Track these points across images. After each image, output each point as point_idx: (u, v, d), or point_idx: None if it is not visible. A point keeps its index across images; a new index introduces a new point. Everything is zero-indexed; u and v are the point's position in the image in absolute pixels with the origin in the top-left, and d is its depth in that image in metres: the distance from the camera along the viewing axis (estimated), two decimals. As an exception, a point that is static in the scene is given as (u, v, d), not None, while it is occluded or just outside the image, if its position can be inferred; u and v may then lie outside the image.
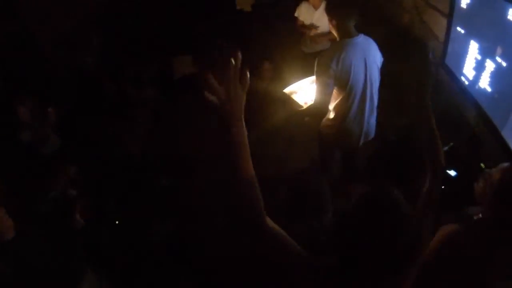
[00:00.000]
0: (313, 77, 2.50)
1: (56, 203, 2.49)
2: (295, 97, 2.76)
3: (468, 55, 2.56)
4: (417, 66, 3.78)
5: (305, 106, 2.61)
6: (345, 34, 2.33)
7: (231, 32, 5.63)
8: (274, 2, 6.10)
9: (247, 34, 5.65)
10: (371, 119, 2.63)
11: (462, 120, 2.77)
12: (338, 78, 2.32)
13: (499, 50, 2.22)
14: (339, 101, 2.47)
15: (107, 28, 4.79)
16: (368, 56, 2.38)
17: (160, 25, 5.44)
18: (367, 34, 2.42)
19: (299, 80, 2.86)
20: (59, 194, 2.56)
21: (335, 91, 2.40)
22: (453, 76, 2.80)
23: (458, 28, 2.66)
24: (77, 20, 4.33)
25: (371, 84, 2.45)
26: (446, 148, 2.73)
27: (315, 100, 2.42)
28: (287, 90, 2.84)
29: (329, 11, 2.39)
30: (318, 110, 2.47)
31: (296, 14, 4.02)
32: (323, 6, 3.59)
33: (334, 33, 2.40)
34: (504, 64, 2.17)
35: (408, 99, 3.54)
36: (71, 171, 2.86)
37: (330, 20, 2.36)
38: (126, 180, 3.36)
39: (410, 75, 3.75)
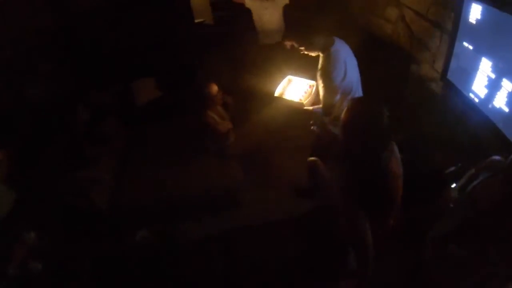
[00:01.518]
0: (290, 76, 3.08)
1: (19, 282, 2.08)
2: (287, 97, 2.97)
3: (478, 72, 2.56)
4: (396, 77, 3.88)
5: (303, 101, 2.84)
6: (325, 48, 2.47)
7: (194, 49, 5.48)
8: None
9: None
10: None
11: (473, 139, 2.78)
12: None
13: (518, 71, 2.23)
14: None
15: (56, 53, 4.37)
16: (350, 56, 2.58)
17: (114, 46, 5.05)
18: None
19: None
20: (19, 270, 2.14)
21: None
22: (458, 92, 2.81)
23: (465, 44, 2.66)
24: (20, 45, 3.80)
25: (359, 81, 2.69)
26: (453, 168, 2.75)
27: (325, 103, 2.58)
28: (277, 94, 3.02)
29: (297, 42, 2.53)
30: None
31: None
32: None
33: (316, 53, 2.55)
34: (525, 85, 2.17)
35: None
36: (30, 238, 2.48)
37: (304, 48, 2.53)
38: (96, 244, 3.08)
39: (389, 85, 3.82)
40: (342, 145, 1.88)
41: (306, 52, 2.60)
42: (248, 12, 4.79)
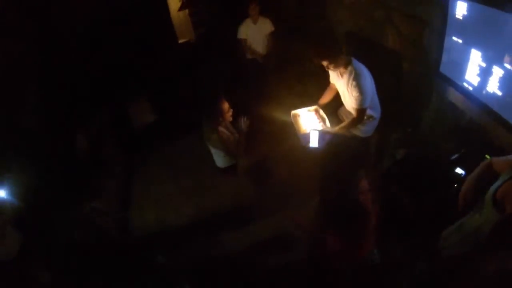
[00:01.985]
0: (293, 112, 3.47)
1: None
2: (300, 120, 3.39)
3: (469, 63, 2.81)
4: (390, 77, 4.13)
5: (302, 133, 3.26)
6: (347, 64, 2.95)
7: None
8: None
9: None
10: None
11: (471, 125, 3.01)
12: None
13: (507, 58, 2.47)
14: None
15: (45, 80, 4.35)
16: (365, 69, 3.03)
17: (105, 70, 5.09)
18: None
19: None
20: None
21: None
22: (452, 83, 3.05)
23: (454, 38, 2.91)
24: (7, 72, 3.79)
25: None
26: (457, 155, 2.97)
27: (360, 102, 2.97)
28: (294, 112, 3.45)
29: (321, 58, 2.93)
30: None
31: (238, 36, 4.96)
32: (260, 21, 4.80)
33: (340, 69, 3.01)
34: (514, 70, 2.42)
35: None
36: (44, 277, 2.61)
37: (327, 65, 2.96)
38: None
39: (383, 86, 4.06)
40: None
41: (331, 69, 3.03)
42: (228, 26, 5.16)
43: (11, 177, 3.13)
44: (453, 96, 3.11)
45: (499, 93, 2.59)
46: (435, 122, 3.53)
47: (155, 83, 5.67)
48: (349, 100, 3.09)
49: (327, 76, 3.41)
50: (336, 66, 2.99)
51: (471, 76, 2.83)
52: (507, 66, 2.46)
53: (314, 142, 3.13)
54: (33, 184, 3.37)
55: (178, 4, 6.28)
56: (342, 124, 3.19)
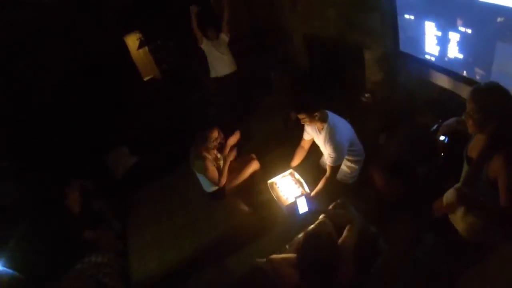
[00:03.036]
0: (269, 181, 3.41)
1: None
2: (278, 189, 3.34)
3: (426, 35, 2.94)
4: (354, 67, 4.27)
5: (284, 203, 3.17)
6: (323, 120, 3.00)
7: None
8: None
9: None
10: None
11: (442, 93, 3.12)
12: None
13: (459, 22, 2.61)
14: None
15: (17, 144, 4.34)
16: (341, 121, 3.12)
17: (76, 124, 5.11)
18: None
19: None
20: None
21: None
22: (415, 59, 3.18)
23: (406, 16, 3.06)
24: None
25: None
26: (436, 125, 3.06)
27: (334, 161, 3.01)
28: (270, 181, 3.43)
29: (299, 112, 2.98)
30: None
31: None
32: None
33: (317, 124, 3.06)
34: (469, 31, 2.55)
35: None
36: None
37: (304, 119, 3.01)
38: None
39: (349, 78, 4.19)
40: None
41: (307, 123, 3.09)
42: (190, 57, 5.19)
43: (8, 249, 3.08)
44: (419, 71, 3.23)
45: (461, 56, 2.71)
46: (408, 100, 3.64)
47: (128, 125, 5.66)
48: (326, 155, 3.16)
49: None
50: (313, 121, 3.04)
51: (431, 47, 2.97)
52: (461, 28, 2.59)
53: (302, 208, 3.08)
54: (29, 251, 3.39)
55: (137, 43, 6.37)
56: (319, 186, 3.18)
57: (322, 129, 3.04)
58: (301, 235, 2.70)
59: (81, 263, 3.37)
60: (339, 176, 3.33)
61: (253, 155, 3.83)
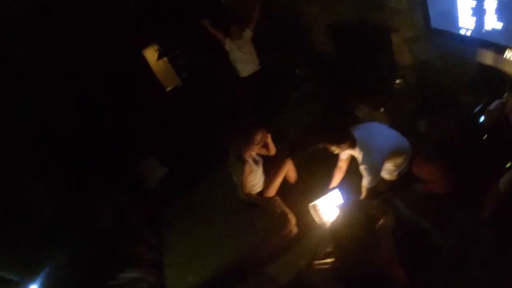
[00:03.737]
0: (311, 204, 3.28)
1: None
2: (319, 211, 3.25)
3: (459, 7, 2.72)
4: (383, 53, 4.04)
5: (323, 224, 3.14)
6: (352, 146, 2.89)
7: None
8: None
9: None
10: None
11: (485, 70, 2.89)
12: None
13: (495, -13, 2.38)
14: None
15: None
16: (372, 130, 3.08)
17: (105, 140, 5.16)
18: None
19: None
20: None
21: None
22: (449, 34, 2.96)
23: (435, -11, 2.83)
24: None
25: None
26: (480, 105, 2.83)
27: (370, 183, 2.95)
28: (312, 204, 3.30)
29: (328, 144, 2.92)
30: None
31: None
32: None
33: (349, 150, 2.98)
34: (507, -4, 2.32)
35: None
36: None
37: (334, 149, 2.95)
38: None
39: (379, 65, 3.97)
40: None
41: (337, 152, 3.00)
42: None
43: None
44: (455, 47, 3.01)
45: (500, 25, 2.48)
46: (446, 82, 3.40)
47: (156, 137, 5.68)
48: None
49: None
50: (343, 149, 2.96)
51: (466, 20, 2.74)
52: (499, -5, 2.36)
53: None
54: (65, 273, 3.35)
55: (155, 55, 6.38)
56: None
57: (354, 151, 2.95)
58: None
59: (116, 280, 3.33)
60: (386, 176, 3.23)
61: (286, 156, 3.73)
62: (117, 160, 4.94)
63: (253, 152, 3.46)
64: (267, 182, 3.63)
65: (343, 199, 3.14)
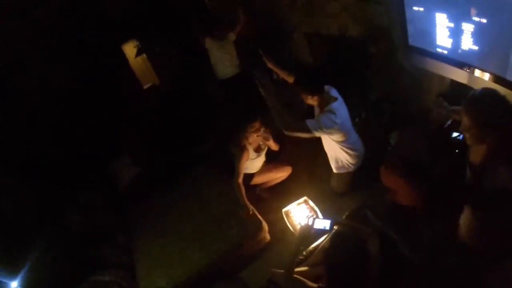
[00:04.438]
0: (301, 199, 3.34)
1: None
2: (292, 218, 3.27)
3: (437, 27, 2.77)
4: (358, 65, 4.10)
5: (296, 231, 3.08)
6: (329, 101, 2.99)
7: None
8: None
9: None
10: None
11: (456, 87, 2.95)
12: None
13: (473, 11, 2.44)
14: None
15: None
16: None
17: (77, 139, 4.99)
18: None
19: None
20: None
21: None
22: (425, 52, 3.01)
23: (415, 8, 2.88)
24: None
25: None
26: (449, 121, 2.89)
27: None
28: (285, 210, 3.35)
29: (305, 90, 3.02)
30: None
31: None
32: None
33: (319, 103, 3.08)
34: (484, 20, 2.38)
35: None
36: None
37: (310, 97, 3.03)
38: None
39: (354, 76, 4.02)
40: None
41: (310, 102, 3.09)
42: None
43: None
44: (429, 65, 3.06)
45: (475, 47, 2.54)
46: (418, 96, 3.47)
47: (129, 134, 5.53)
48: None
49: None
50: (313, 100, 3.08)
51: (443, 40, 2.79)
52: (476, 18, 2.42)
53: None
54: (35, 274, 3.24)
55: (134, 51, 6.23)
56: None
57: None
58: (321, 241, 2.54)
59: (87, 283, 3.22)
60: (336, 168, 3.36)
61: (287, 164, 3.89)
62: (88, 158, 4.76)
63: (252, 140, 3.51)
64: (263, 170, 3.77)
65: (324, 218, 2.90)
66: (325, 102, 3.02)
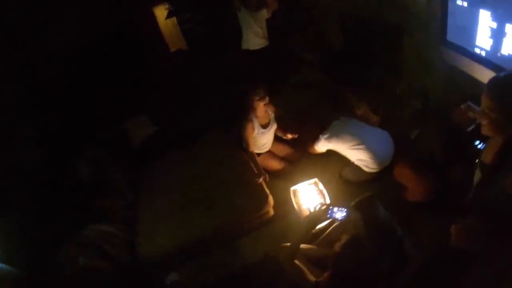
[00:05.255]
0: (292, 188, 3.21)
1: None
2: (299, 197, 3.16)
3: (479, 26, 2.57)
4: (391, 53, 3.89)
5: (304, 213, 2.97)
6: None
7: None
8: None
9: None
10: None
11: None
12: None
13: (520, 13, 2.23)
14: None
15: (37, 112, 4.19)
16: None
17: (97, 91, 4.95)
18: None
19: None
20: None
21: None
22: (462, 50, 2.82)
23: (459, 2, 2.67)
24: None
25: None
26: (473, 126, 2.73)
27: None
28: (293, 188, 3.23)
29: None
30: None
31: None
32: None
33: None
34: (530, 25, 2.18)
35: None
36: None
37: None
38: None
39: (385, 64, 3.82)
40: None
41: None
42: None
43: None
44: (464, 64, 2.87)
45: (517, 53, 2.34)
46: (445, 94, 3.29)
47: (151, 94, 5.50)
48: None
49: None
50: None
51: (483, 40, 2.59)
52: (522, 22, 2.22)
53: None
54: (38, 219, 3.27)
55: (165, 13, 6.12)
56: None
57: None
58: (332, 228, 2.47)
59: (88, 230, 3.24)
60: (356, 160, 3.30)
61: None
62: (105, 113, 4.76)
63: (260, 112, 3.46)
64: (275, 148, 3.82)
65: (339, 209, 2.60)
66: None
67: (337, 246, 1.83)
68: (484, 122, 1.59)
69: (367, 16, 4.12)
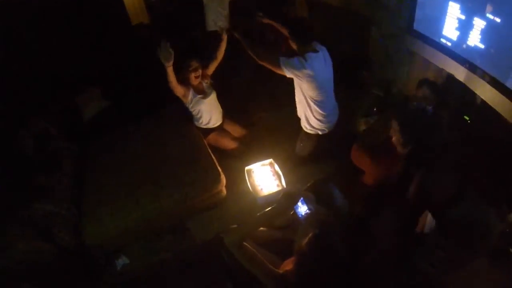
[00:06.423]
0: (266, 161, 3.19)
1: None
2: (254, 177, 3.11)
3: (447, 17, 2.58)
4: (358, 42, 3.87)
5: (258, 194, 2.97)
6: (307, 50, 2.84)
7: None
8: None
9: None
10: None
11: (449, 83, 2.81)
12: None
13: (489, 8, 2.26)
14: None
15: None
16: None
17: (49, 60, 4.43)
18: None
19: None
20: None
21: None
22: (428, 40, 2.83)
23: (429, -8, 2.66)
24: None
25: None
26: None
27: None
28: (248, 168, 3.18)
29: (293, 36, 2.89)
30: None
31: None
32: None
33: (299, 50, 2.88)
34: (498, 19, 2.20)
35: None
36: None
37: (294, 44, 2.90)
38: None
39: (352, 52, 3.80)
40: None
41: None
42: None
43: None
44: (429, 53, 2.89)
45: (481, 46, 2.38)
46: (410, 83, 3.32)
47: (106, 67, 5.11)
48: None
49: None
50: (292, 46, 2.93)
51: (450, 31, 2.62)
52: (490, 16, 2.24)
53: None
54: None
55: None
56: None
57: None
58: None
59: (31, 210, 2.92)
60: (305, 126, 3.21)
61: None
62: (57, 84, 4.36)
63: (193, 80, 3.45)
64: (228, 127, 3.78)
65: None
66: (304, 50, 2.86)
67: (303, 243, 1.68)
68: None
69: (336, 5, 4.05)
